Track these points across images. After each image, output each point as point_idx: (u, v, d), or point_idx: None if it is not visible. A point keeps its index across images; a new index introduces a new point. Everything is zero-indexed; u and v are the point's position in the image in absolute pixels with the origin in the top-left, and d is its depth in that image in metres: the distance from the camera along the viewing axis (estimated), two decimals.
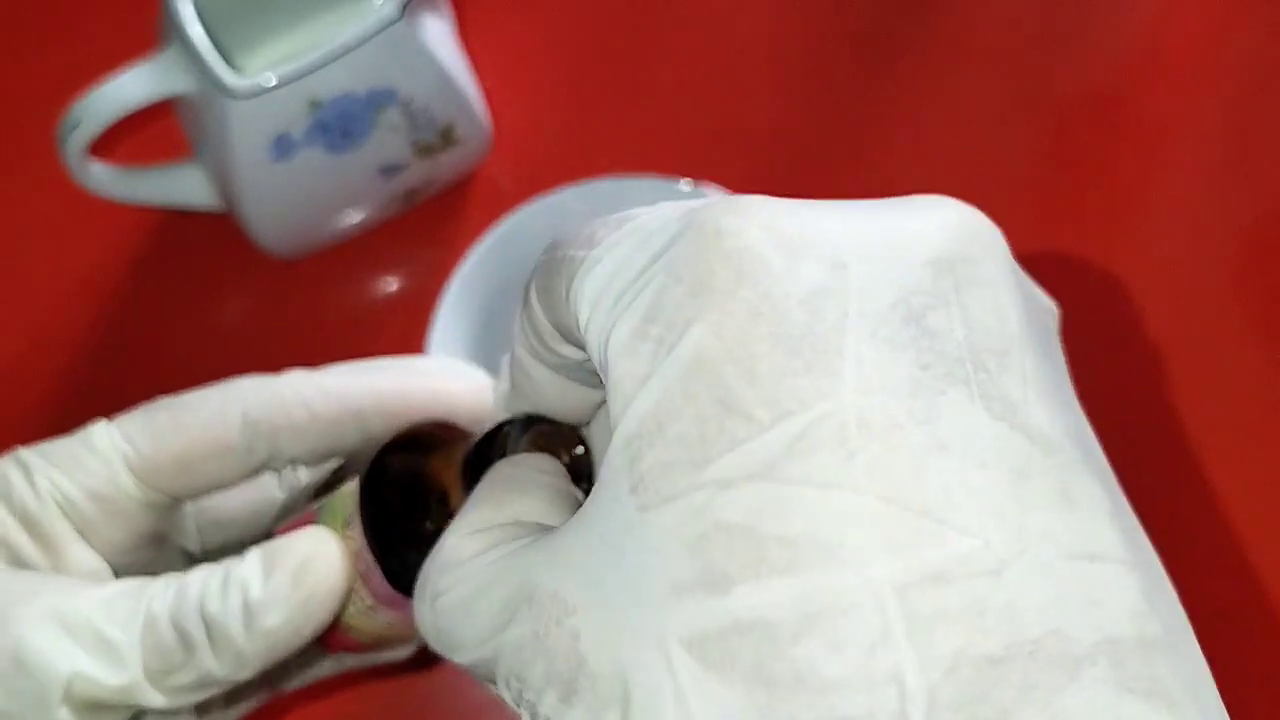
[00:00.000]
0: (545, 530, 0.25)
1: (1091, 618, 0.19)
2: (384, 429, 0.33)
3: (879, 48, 0.59)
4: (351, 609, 0.32)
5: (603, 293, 0.23)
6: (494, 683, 0.23)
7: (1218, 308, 0.54)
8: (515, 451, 0.28)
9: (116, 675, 0.29)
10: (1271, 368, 0.53)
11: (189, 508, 0.35)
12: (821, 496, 0.20)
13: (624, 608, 0.21)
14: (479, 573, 0.24)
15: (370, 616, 0.32)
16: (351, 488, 0.32)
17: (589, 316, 0.23)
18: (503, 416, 0.29)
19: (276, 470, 0.35)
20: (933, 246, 0.22)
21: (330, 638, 0.32)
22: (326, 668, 0.37)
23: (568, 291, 0.24)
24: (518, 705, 0.23)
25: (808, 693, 0.19)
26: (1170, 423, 0.51)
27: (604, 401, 0.27)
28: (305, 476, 0.35)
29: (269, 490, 0.35)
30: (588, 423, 0.29)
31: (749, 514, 0.20)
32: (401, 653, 0.37)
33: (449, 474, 0.30)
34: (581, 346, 0.24)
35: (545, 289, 0.25)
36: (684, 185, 0.49)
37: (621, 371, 0.21)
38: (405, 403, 0.33)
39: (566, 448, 0.28)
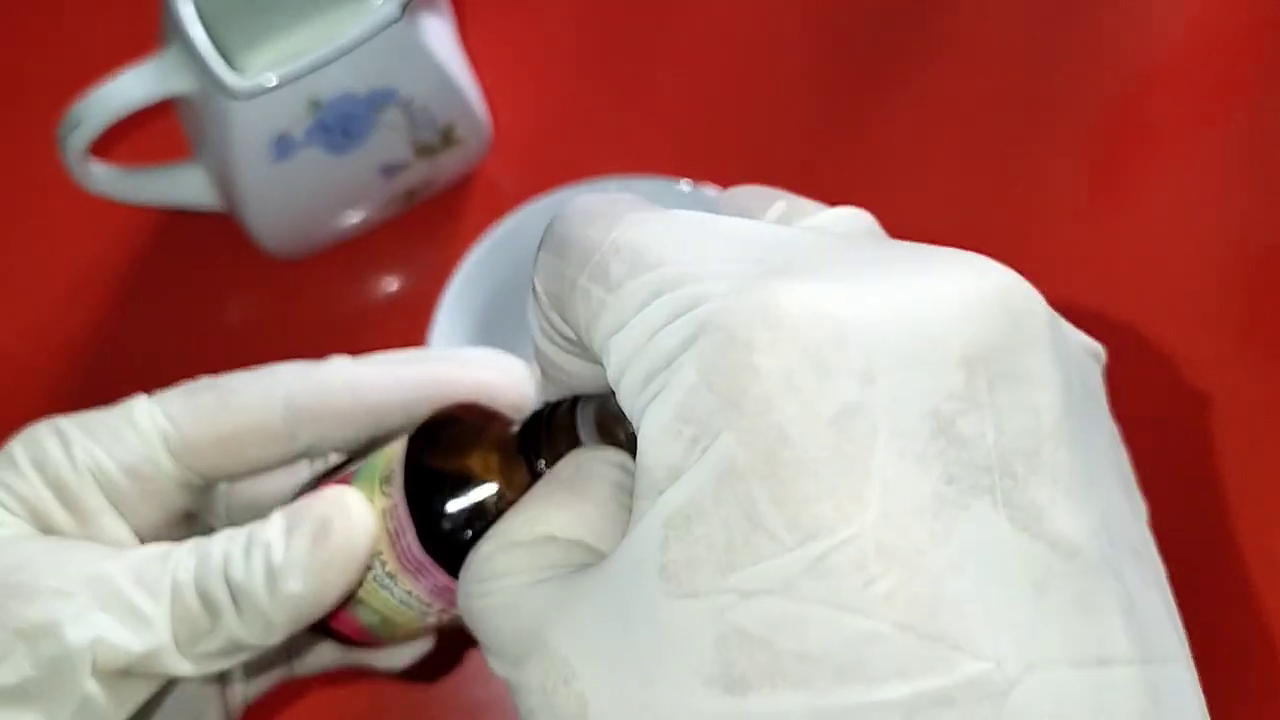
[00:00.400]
0: (582, 552, 0.25)
1: None
2: None
3: (879, 49, 0.59)
4: (369, 576, 0.31)
5: (630, 362, 0.23)
6: None
7: (1219, 311, 0.54)
8: (585, 431, 0.28)
9: (142, 641, 0.29)
10: (1276, 371, 0.53)
11: (221, 489, 0.35)
12: (838, 618, 0.20)
13: (639, 686, 0.21)
14: (504, 592, 0.25)
15: (387, 588, 0.31)
16: (396, 446, 0.31)
17: (617, 378, 0.23)
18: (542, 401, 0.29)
19: (321, 456, 0.34)
20: (965, 341, 0.21)
21: (335, 614, 0.32)
22: (340, 655, 0.37)
23: (589, 327, 0.24)
24: None
25: None
26: (1171, 426, 0.52)
27: None
28: (335, 461, 0.35)
29: (301, 475, 0.35)
30: None
31: (767, 626, 0.20)
32: (396, 660, 0.37)
33: (499, 449, 0.30)
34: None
35: (557, 299, 0.25)
36: (684, 185, 0.49)
37: (654, 459, 0.22)
38: (449, 393, 0.33)
39: (625, 426, 0.28)
